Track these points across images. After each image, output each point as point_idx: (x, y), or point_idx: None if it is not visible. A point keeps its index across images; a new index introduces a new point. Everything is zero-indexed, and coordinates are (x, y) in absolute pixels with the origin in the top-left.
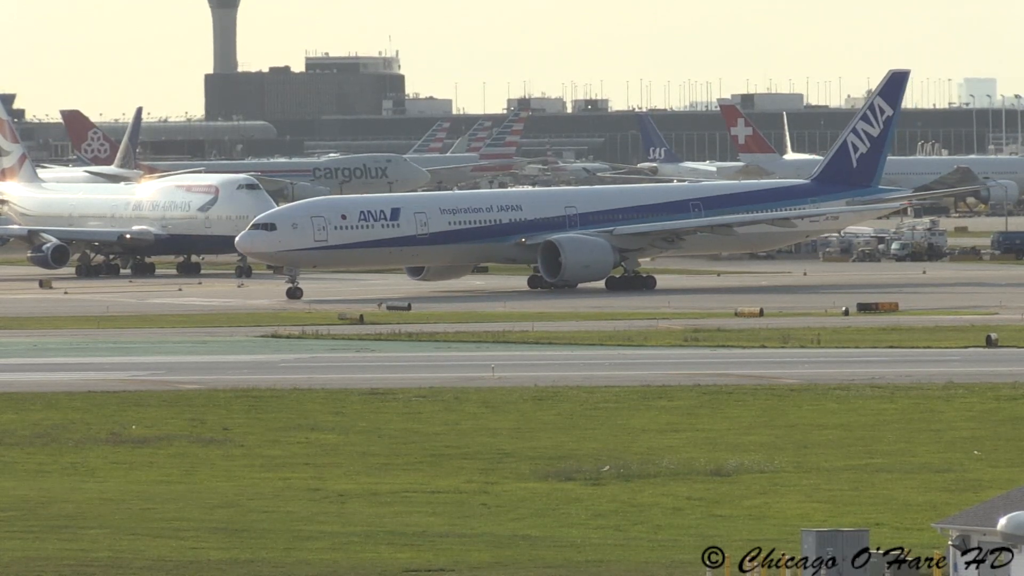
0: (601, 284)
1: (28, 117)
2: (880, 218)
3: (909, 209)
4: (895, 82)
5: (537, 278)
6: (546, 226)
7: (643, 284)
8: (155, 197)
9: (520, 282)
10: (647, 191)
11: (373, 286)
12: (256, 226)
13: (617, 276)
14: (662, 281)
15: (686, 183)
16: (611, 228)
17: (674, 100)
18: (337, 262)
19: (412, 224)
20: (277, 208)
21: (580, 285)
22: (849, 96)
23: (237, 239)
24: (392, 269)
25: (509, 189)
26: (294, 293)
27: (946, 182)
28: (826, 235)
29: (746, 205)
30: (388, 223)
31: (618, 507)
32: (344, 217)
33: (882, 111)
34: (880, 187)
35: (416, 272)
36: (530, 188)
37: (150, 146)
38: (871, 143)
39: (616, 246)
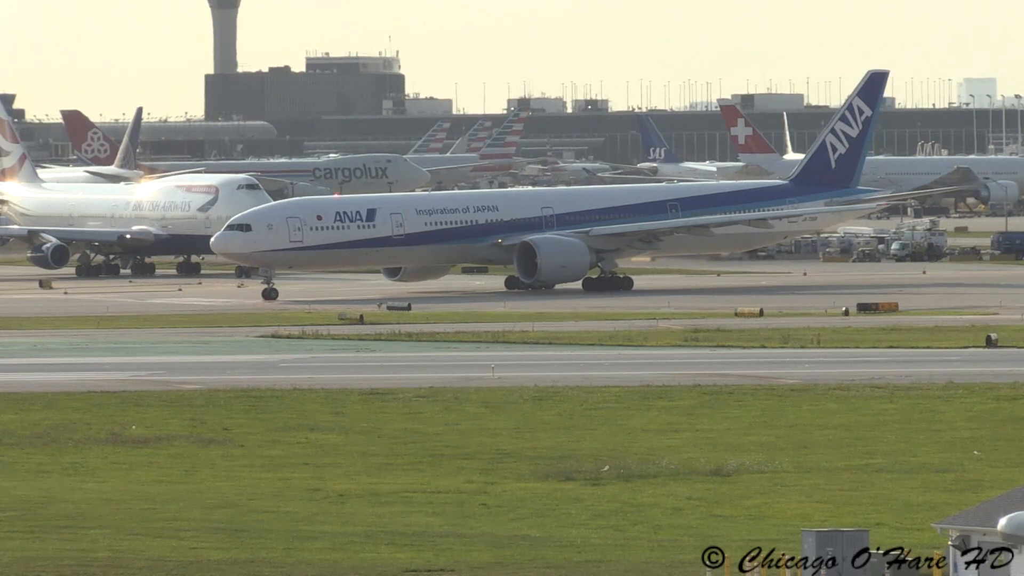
0: (578, 285)
1: (28, 117)
2: (879, 218)
3: (910, 209)
4: (874, 82)
5: (515, 279)
6: (523, 227)
7: (620, 285)
8: (155, 197)
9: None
10: (624, 192)
11: (371, 286)
12: (231, 227)
13: (594, 277)
14: (661, 281)
15: (663, 184)
16: (588, 229)
17: (674, 100)
18: (313, 263)
19: (388, 225)
20: (253, 209)
21: (557, 286)
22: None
23: (212, 240)
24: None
25: (486, 190)
26: (269, 294)
27: (946, 182)
28: (825, 235)
29: (724, 206)
30: (364, 224)
31: (618, 507)
32: (320, 218)
33: (861, 111)
34: (859, 187)
35: (393, 273)
36: (508, 189)
37: (150, 146)
38: (850, 143)
39: (592, 247)
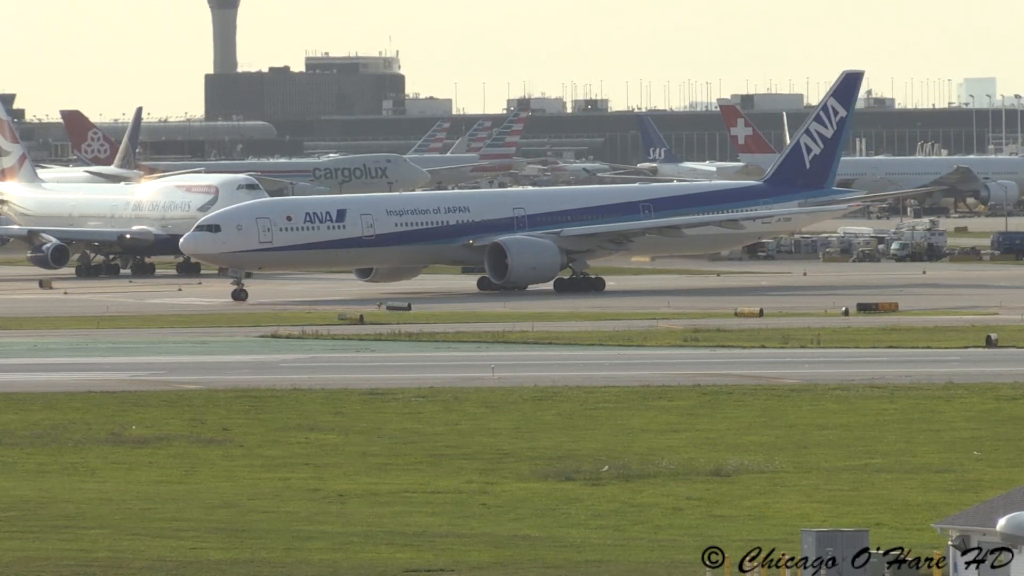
0: (549, 286)
1: (28, 117)
2: (879, 218)
3: (910, 209)
4: (849, 83)
5: (487, 279)
6: (494, 228)
7: (591, 286)
8: (155, 197)
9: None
10: (596, 192)
11: (365, 287)
12: (201, 227)
13: (566, 278)
14: (661, 280)
15: (636, 184)
16: (558, 230)
17: (674, 100)
18: (282, 264)
19: (358, 225)
20: (222, 209)
21: (530, 287)
22: None
23: (181, 241)
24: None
25: (458, 191)
26: (239, 295)
27: (946, 182)
28: (825, 235)
29: (697, 207)
30: (334, 224)
31: (618, 507)
32: (289, 219)
33: (835, 112)
34: (834, 188)
35: (364, 274)
36: (479, 190)
37: (150, 146)
38: (824, 144)
39: (563, 248)
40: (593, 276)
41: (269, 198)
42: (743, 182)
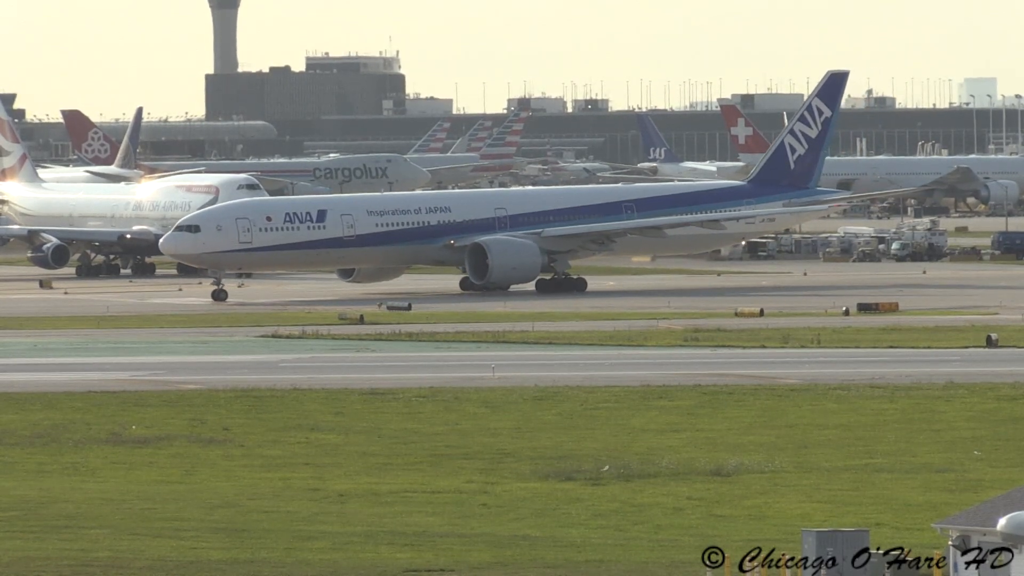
0: (531, 286)
1: (28, 117)
2: (880, 218)
3: (910, 209)
4: (833, 83)
5: (468, 280)
6: (475, 228)
7: (573, 286)
8: (155, 197)
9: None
10: (579, 193)
11: (363, 287)
12: (180, 227)
13: (547, 278)
14: (661, 280)
15: (619, 185)
16: (540, 230)
17: (674, 100)
18: (262, 264)
19: (338, 226)
20: (202, 210)
21: (512, 288)
22: (849, 96)
23: (161, 241)
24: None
25: (439, 191)
26: (219, 295)
27: (946, 182)
28: (826, 235)
29: (680, 207)
30: (314, 225)
31: (618, 507)
32: (269, 219)
33: (820, 112)
34: (818, 188)
35: (347, 274)
36: (461, 190)
37: (150, 146)
38: (809, 144)
39: (545, 248)
40: (575, 276)
41: (250, 198)
42: (727, 182)
